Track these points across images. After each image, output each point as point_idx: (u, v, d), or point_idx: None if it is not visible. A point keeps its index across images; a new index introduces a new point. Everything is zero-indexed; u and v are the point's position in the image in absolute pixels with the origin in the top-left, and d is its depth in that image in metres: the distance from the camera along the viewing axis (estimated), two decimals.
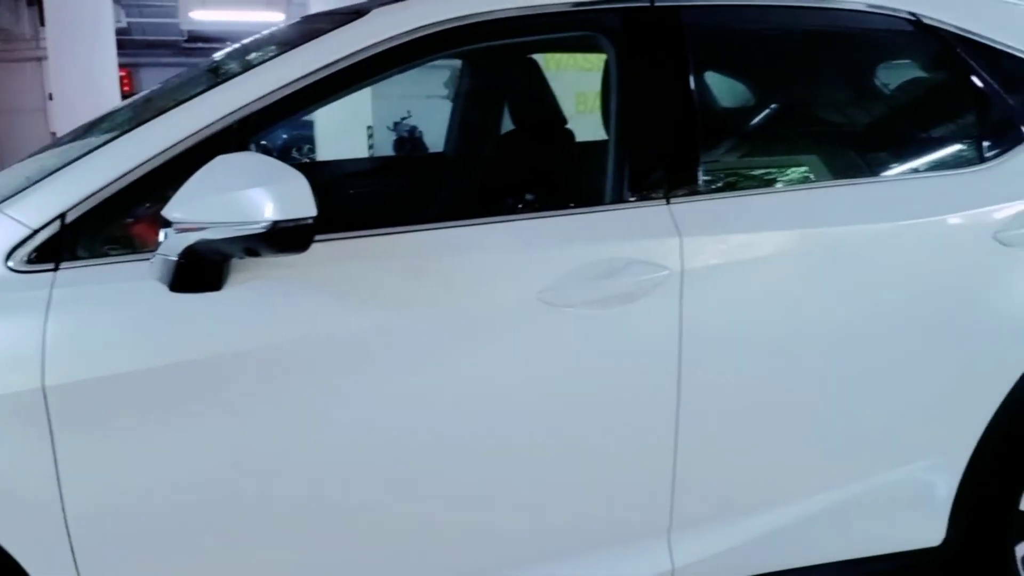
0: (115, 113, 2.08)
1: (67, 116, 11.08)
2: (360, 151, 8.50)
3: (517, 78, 2.42)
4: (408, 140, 10.10)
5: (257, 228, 1.33)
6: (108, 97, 11.35)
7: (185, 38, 16.81)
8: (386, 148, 9.52)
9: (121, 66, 11.74)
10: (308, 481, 1.55)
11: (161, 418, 1.45)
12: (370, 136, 9.12)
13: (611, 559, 1.78)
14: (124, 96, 12.65)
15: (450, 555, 1.69)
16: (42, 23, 12.16)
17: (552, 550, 1.75)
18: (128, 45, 15.21)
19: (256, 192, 1.33)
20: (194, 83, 1.81)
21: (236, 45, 2.23)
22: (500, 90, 2.53)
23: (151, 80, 19.52)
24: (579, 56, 4.40)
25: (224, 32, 17.02)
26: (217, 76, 1.77)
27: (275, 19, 12.68)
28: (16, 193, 1.49)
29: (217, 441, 1.48)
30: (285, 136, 10.52)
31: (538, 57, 2.56)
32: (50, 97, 11.82)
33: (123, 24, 13.60)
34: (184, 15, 12.36)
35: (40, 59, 13.04)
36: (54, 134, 12.51)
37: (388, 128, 10.09)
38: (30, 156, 2.05)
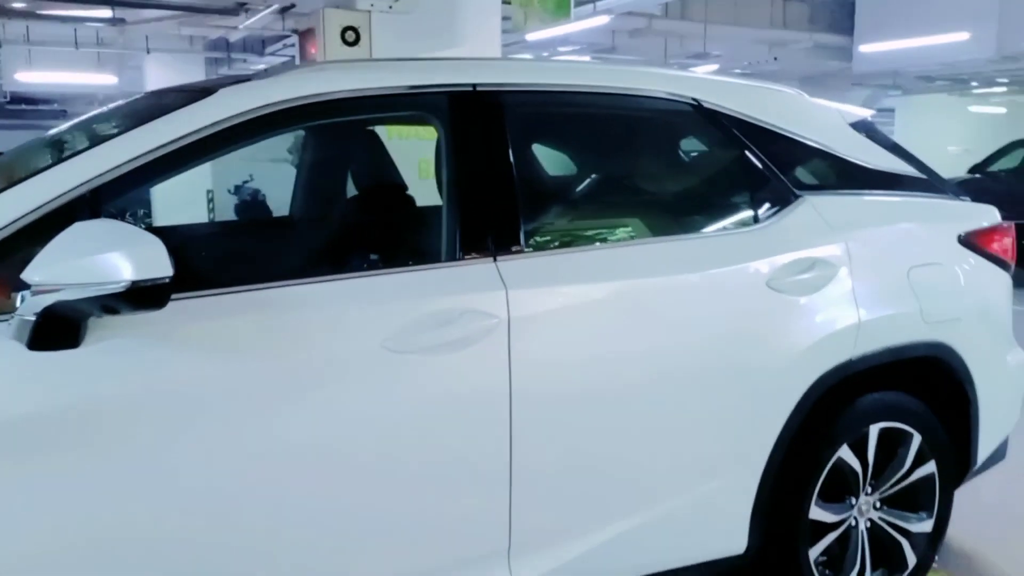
0: None
1: None
2: (200, 215, 8.36)
3: (358, 149, 2.60)
4: (250, 203, 9.98)
5: (116, 288, 1.44)
6: None
7: (7, 99, 15.96)
8: (227, 211, 9.39)
9: None
10: (157, 527, 1.62)
11: (16, 467, 1.49)
12: (210, 200, 8.98)
13: None
14: None
15: None
16: None
17: (404, 573, 1.88)
18: None
19: (115, 255, 1.44)
20: (47, 152, 1.89)
21: (88, 115, 2.30)
22: (343, 158, 2.70)
23: None
24: (422, 128, 4.65)
25: (48, 94, 16.31)
26: (71, 146, 1.86)
27: (106, 81, 12.34)
28: None
29: (74, 487, 1.54)
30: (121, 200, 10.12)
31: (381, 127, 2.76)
32: None
33: None
34: (8, 77, 11.79)
35: None
36: None
37: (229, 191, 9.95)
38: None
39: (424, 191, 2.65)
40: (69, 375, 1.53)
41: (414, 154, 3.96)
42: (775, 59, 13.90)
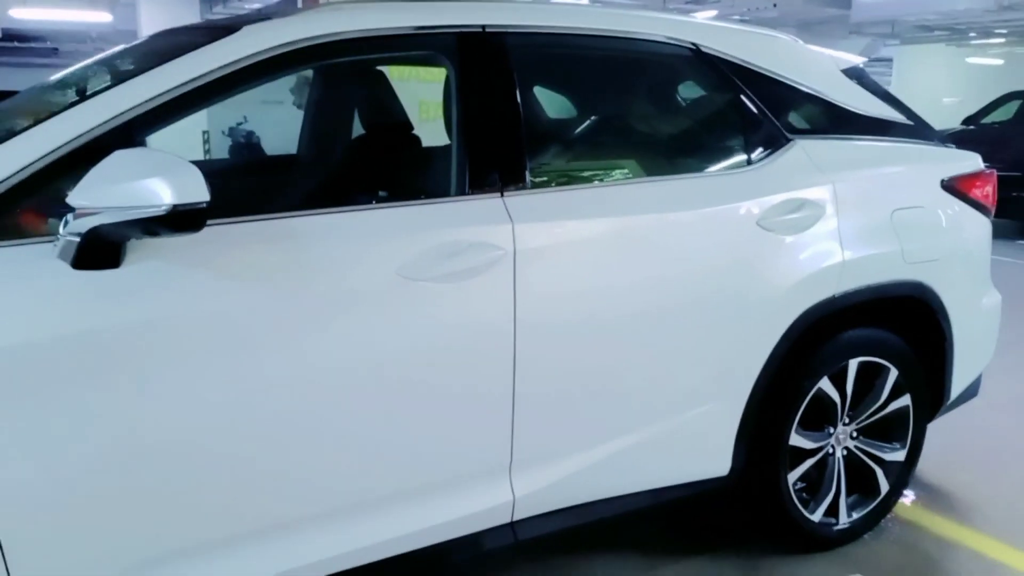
0: (5, 107, 2.20)
1: None
2: (195, 155, 8.38)
3: (368, 88, 2.68)
4: (244, 144, 10.00)
5: (158, 211, 1.55)
6: None
7: (1, 36, 15.73)
8: (222, 152, 9.40)
9: None
10: (202, 440, 1.75)
11: (66, 383, 1.62)
12: (206, 141, 9.00)
13: (464, 492, 2.09)
14: None
15: (327, 493, 1.93)
16: None
17: (413, 487, 2.03)
18: None
19: (155, 180, 1.55)
20: (76, 87, 1.98)
21: (117, 49, 2.38)
22: (353, 97, 2.79)
23: None
24: (421, 69, 4.70)
25: (41, 31, 16.09)
26: (101, 81, 1.95)
27: (101, 19, 12.18)
28: None
29: (118, 404, 1.66)
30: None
31: (384, 69, 2.83)
32: None
33: None
34: (2, 13, 11.63)
35: None
36: None
37: (223, 133, 9.95)
38: None
39: (424, 132, 2.74)
40: (109, 294, 1.65)
41: (414, 96, 4.04)
42: (774, 5, 13.79)
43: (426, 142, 2.72)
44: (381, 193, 2.28)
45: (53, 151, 1.67)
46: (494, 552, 2.20)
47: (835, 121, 2.68)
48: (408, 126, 2.70)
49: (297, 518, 1.91)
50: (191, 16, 11.51)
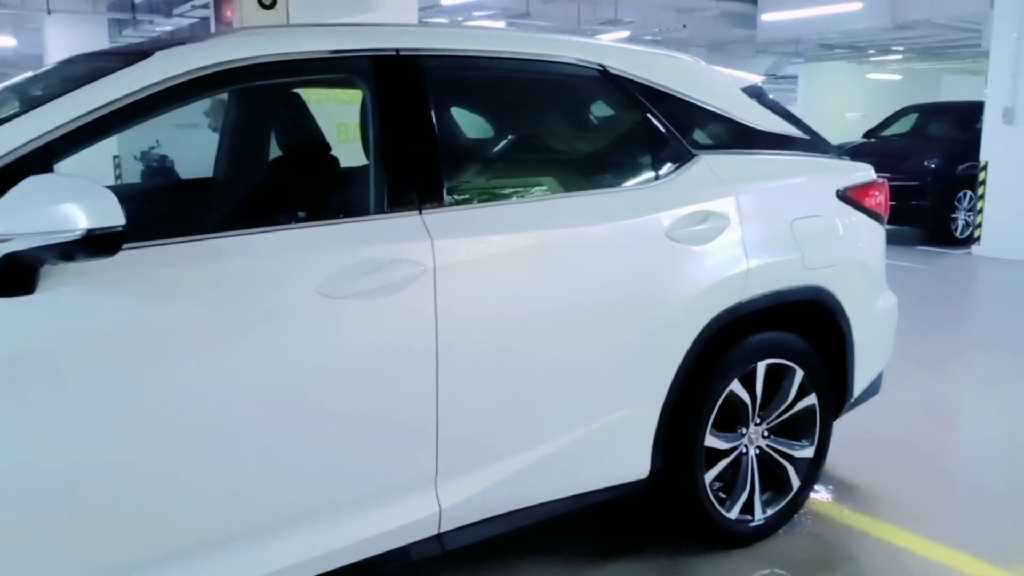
0: None
1: None
2: (107, 180, 8.18)
3: (285, 110, 2.70)
4: (157, 169, 9.80)
5: (73, 235, 1.56)
6: None
7: None
8: (133, 177, 9.20)
9: None
10: (121, 458, 1.74)
11: None
12: (117, 166, 8.80)
13: (392, 505, 2.11)
14: None
15: (252, 508, 1.94)
16: None
17: (339, 502, 2.05)
18: None
19: (70, 205, 1.56)
20: None
21: (28, 75, 2.35)
22: (270, 120, 2.80)
23: None
24: (339, 91, 4.73)
25: None
26: (13, 106, 1.94)
27: (4, 43, 11.81)
28: None
29: (37, 427, 1.65)
30: None
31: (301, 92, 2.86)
32: None
33: None
34: None
35: None
36: None
37: (135, 157, 9.74)
38: None
39: (343, 153, 2.76)
40: (23, 319, 1.64)
41: (332, 118, 4.06)
42: (684, 26, 14.26)
43: (346, 163, 2.76)
44: (300, 213, 2.30)
45: None
46: (422, 563, 2.24)
47: (736, 137, 2.82)
48: (326, 147, 2.73)
49: (223, 535, 1.91)
50: (100, 40, 11.25)
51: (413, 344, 2.07)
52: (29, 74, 2.36)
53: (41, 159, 1.74)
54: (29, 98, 2.03)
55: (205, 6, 10.30)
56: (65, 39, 10.86)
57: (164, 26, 12.27)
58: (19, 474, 1.66)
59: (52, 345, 1.67)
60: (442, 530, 2.22)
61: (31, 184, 1.59)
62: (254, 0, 6.10)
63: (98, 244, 1.59)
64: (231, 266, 1.88)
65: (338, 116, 4.21)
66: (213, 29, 7.94)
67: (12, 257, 1.56)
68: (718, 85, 2.88)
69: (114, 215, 1.59)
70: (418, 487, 2.16)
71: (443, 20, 12.63)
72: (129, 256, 1.71)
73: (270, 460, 1.94)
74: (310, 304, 1.93)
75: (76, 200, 1.57)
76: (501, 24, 13.22)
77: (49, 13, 10.77)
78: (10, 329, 1.64)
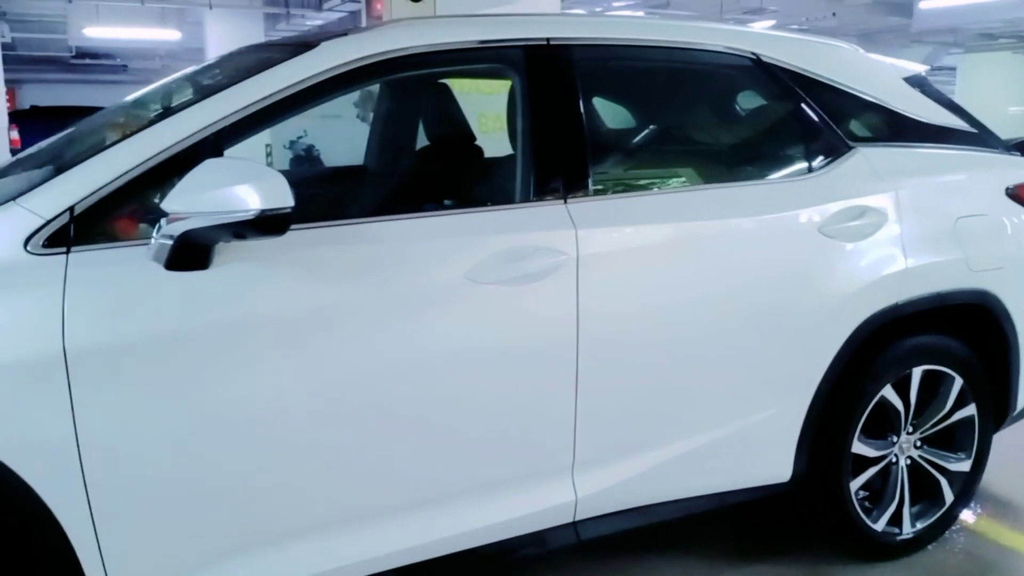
0: (97, 121, 2.34)
1: None
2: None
3: (434, 100, 2.77)
4: (304, 157, 10.27)
5: (246, 215, 1.65)
6: None
7: (73, 54, 16.41)
8: (283, 165, 9.67)
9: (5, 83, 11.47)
10: (287, 433, 1.84)
11: (156, 374, 1.72)
12: (268, 154, 9.27)
13: (530, 491, 2.14)
14: (10, 113, 12.31)
15: (401, 486, 2.00)
16: None
17: (479, 484, 2.09)
18: (12, 61, 14.74)
19: (244, 187, 1.65)
20: (171, 96, 2.10)
21: (198, 67, 2.51)
22: (418, 109, 2.88)
23: (35, 96, 18.91)
24: (481, 82, 4.81)
25: (111, 49, 16.72)
26: (187, 95, 2.07)
27: (170, 37, 12.63)
28: (28, 189, 1.75)
29: (208, 398, 1.76)
30: None
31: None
32: None
33: (7, 40, 13.19)
34: (76, 32, 12.14)
35: None
36: None
37: (284, 147, 10.24)
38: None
39: (483, 144, 2.80)
40: (200, 293, 1.76)
41: (475, 108, 4.13)
42: (833, 15, 13.65)
43: (486, 153, 2.80)
44: (447, 201, 2.36)
45: (145, 161, 1.78)
46: (556, 551, 2.25)
47: (897, 129, 2.68)
48: (472, 137, 2.78)
49: (375, 509, 1.99)
50: (256, 33, 11.86)
51: (555, 332, 2.08)
52: (204, 64, 2.51)
53: (214, 144, 1.85)
54: (204, 87, 2.16)
55: (355, 0, 10.67)
56: (224, 32, 11.51)
57: (315, 20, 12.81)
58: (200, 439, 1.77)
59: (225, 318, 1.77)
60: (577, 519, 2.22)
61: (209, 167, 1.69)
62: None
63: (269, 224, 1.68)
64: (385, 249, 1.94)
65: (480, 107, 4.29)
66: (364, 22, 8.21)
67: (189, 235, 1.67)
68: (878, 74, 2.74)
69: (284, 197, 1.68)
70: (555, 474, 2.18)
71: (581, 11, 12.60)
72: (294, 237, 1.79)
73: (416, 438, 1.99)
74: (459, 289, 1.97)
75: (250, 182, 1.66)
76: (640, 14, 13.07)
77: (211, 8, 11.46)
78: (187, 302, 1.75)
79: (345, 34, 2.13)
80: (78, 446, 1.66)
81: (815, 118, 2.53)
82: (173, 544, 1.80)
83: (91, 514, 1.69)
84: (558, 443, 2.15)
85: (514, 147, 2.29)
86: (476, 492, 2.10)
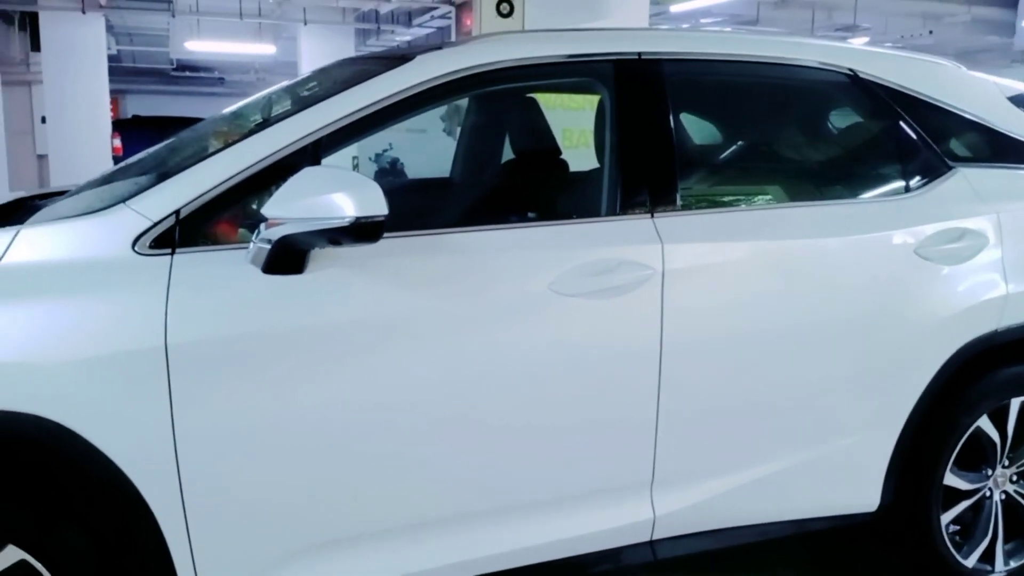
0: (200, 130, 2.45)
1: (58, 138, 11.38)
2: None
3: (522, 114, 2.80)
4: (389, 171, 10.47)
5: (342, 222, 1.70)
6: (99, 121, 11.66)
7: (173, 67, 17.15)
8: (368, 176, 9.83)
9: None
10: (371, 437, 1.87)
11: (252, 371, 1.78)
12: (355, 167, 9.49)
13: (608, 507, 2.12)
14: (113, 121, 12.95)
15: (476, 495, 2.02)
16: (34, 48, 12.40)
17: (557, 497, 2.09)
18: (117, 72, 15.49)
19: (340, 195, 1.70)
20: (270, 107, 2.18)
21: (301, 77, 2.60)
22: (507, 124, 2.91)
23: (136, 106, 19.79)
24: (566, 98, 4.83)
25: (209, 62, 17.41)
26: (292, 104, 2.14)
27: (265, 51, 13.07)
28: (137, 193, 1.84)
29: (298, 397, 1.81)
30: None
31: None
32: (43, 120, 12.07)
33: (113, 52, 13.87)
34: (178, 45, 12.68)
35: (29, 83, 13.24)
36: (42, 157, 12.71)
37: (370, 159, 10.48)
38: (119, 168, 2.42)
39: (567, 158, 2.82)
40: (295, 297, 1.81)
41: (560, 123, 4.16)
42: (930, 32, 13.23)
43: (571, 168, 2.81)
44: (531, 214, 2.38)
45: (247, 168, 1.85)
46: (632, 569, 2.23)
47: (1000, 149, 2.58)
48: (558, 151, 2.80)
49: (451, 516, 2.00)
50: (347, 48, 12.18)
51: (638, 348, 2.07)
52: (303, 76, 2.60)
53: (313, 153, 1.91)
54: (303, 98, 2.24)
55: (444, 16, 10.88)
56: (316, 47, 11.88)
57: (404, 36, 13.10)
58: (288, 437, 1.82)
59: (318, 321, 1.82)
60: (655, 538, 2.20)
61: (307, 175, 1.75)
62: (493, 10, 6.36)
63: (363, 231, 1.72)
64: (471, 259, 1.97)
65: (564, 122, 4.31)
66: (454, 38, 8.36)
67: (286, 240, 1.72)
68: (981, 93, 2.65)
69: (379, 205, 1.72)
70: (634, 491, 2.16)
71: (667, 26, 12.53)
72: (386, 245, 1.83)
73: (496, 447, 2.01)
74: (543, 299, 1.98)
75: (346, 190, 1.71)
76: (728, 30, 12.93)
77: (305, 24, 11.83)
78: (282, 305, 1.81)
79: (440, 47, 2.18)
80: (174, 439, 1.72)
81: (913, 136, 2.46)
82: (258, 539, 1.85)
83: (183, 506, 1.75)
84: (638, 459, 2.13)
85: (601, 161, 2.29)
86: (554, 504, 2.09)
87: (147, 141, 2.61)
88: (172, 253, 1.77)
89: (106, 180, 2.27)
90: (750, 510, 2.30)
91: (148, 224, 1.78)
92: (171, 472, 1.73)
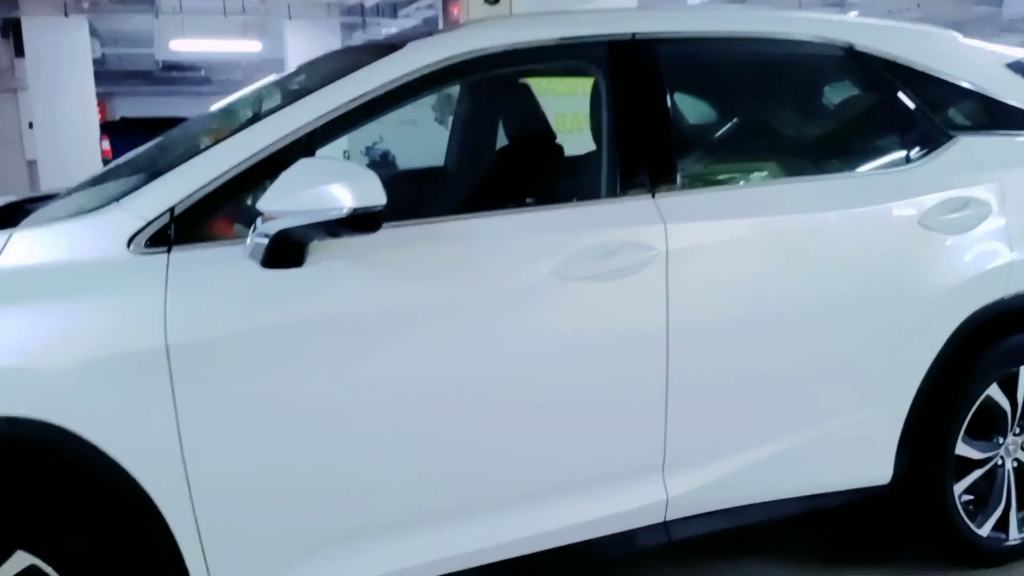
0: (189, 128, 2.41)
1: (47, 143, 11.31)
2: None
3: (517, 100, 2.77)
4: (380, 163, 10.42)
5: (340, 213, 1.67)
6: (87, 125, 11.60)
7: (159, 67, 17.04)
8: None
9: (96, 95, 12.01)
10: (372, 429, 1.85)
11: (254, 366, 1.75)
12: (346, 159, 9.43)
13: (621, 490, 2.11)
14: (100, 124, 12.85)
15: (488, 484, 2.00)
16: (18, 54, 12.31)
17: (569, 482, 2.07)
18: (104, 75, 15.39)
19: (337, 186, 1.67)
20: (261, 101, 2.15)
21: (291, 70, 2.56)
22: (500, 110, 2.88)
23: (124, 108, 19.66)
24: (557, 83, 4.79)
25: (195, 61, 17.29)
26: (283, 97, 2.11)
27: (251, 48, 12.99)
28: (130, 191, 1.81)
29: (303, 391, 1.79)
30: None
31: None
32: (30, 126, 11.99)
33: (98, 55, 13.76)
34: (163, 46, 12.60)
35: (15, 90, 13.14)
36: (32, 162, 12.63)
37: (360, 152, 10.42)
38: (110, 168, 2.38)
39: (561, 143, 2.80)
40: (295, 290, 1.78)
41: (552, 109, 4.12)
42: (918, 5, 13.19)
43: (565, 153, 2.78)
44: (529, 200, 2.35)
45: (241, 162, 1.82)
46: (646, 551, 2.21)
47: (1000, 117, 2.56)
48: (553, 135, 2.77)
49: (459, 506, 1.99)
50: (333, 43, 12.10)
51: (644, 329, 2.05)
52: (292, 70, 2.56)
53: (307, 145, 1.88)
54: (294, 91, 2.20)
55: (429, 6, 10.80)
56: (303, 43, 11.79)
57: (390, 28, 13.01)
58: (294, 432, 1.80)
59: (320, 314, 1.79)
60: (668, 519, 2.19)
61: (302, 166, 1.72)
62: None
63: (362, 222, 1.69)
64: (472, 245, 1.95)
65: (557, 107, 4.27)
66: (441, 27, 8.30)
67: (284, 233, 1.70)
68: (978, 61, 2.63)
69: (377, 195, 1.69)
70: (646, 473, 2.14)
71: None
72: (384, 235, 1.80)
73: (505, 435, 1.99)
74: (545, 284, 1.96)
75: (343, 181, 1.68)
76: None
77: (290, 19, 11.75)
78: (283, 298, 1.78)
79: (430, 35, 2.14)
80: (180, 438, 1.70)
81: (913, 107, 2.44)
82: (270, 535, 1.83)
83: (192, 505, 1.73)
84: (649, 441, 2.11)
85: (598, 143, 2.27)
86: (566, 489, 2.08)
87: (136, 143, 2.58)
88: (168, 251, 1.75)
89: (98, 180, 2.24)
90: (763, 488, 2.29)
91: (142, 223, 1.75)
92: (179, 472, 1.71)
